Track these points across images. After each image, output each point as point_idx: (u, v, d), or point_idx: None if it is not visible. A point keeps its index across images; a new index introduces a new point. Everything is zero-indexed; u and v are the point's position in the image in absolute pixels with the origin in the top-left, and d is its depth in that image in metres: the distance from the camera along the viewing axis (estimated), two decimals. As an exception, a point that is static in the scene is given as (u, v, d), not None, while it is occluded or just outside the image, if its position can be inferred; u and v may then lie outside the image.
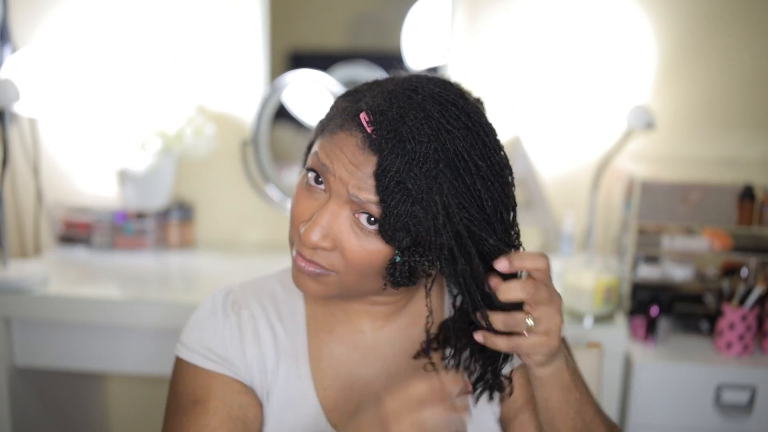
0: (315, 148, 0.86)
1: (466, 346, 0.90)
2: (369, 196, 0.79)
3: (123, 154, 1.91)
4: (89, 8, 2.03)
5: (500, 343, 0.81)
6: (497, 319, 0.80)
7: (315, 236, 0.82)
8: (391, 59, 2.06)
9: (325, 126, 0.86)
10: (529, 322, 0.79)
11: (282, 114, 2.08)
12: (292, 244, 0.89)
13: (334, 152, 0.81)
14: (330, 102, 0.91)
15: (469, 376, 0.92)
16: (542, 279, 0.80)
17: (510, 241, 0.84)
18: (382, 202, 0.79)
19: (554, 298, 0.80)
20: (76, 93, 1.83)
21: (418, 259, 0.82)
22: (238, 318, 0.97)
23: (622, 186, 1.87)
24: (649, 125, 1.82)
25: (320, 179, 0.84)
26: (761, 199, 1.71)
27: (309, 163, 0.86)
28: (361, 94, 0.85)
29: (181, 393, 0.95)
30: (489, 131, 0.83)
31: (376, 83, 0.86)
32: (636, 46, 1.97)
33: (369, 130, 0.79)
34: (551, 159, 2.03)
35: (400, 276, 0.84)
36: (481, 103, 0.89)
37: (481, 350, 0.89)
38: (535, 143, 2.02)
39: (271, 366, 0.96)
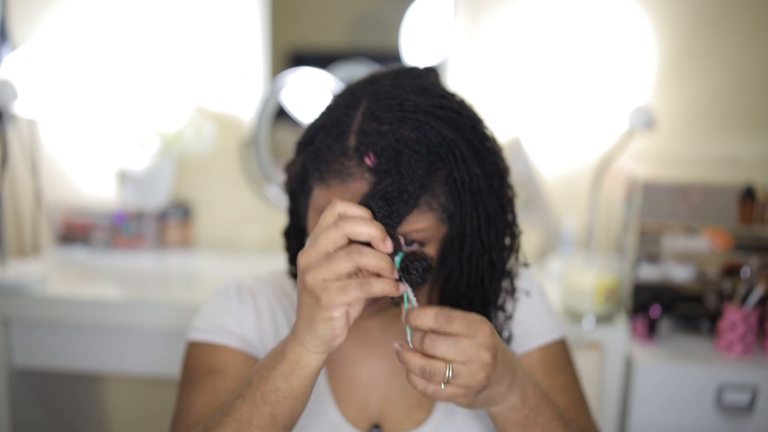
0: (328, 197, 0.85)
1: None
2: (409, 227, 0.82)
3: (122, 154, 1.90)
4: (89, 7, 2.02)
5: (417, 384, 0.73)
6: (414, 361, 0.72)
7: None
8: (391, 58, 2.06)
9: (322, 155, 0.86)
10: (448, 374, 0.71)
11: (282, 114, 2.07)
12: None
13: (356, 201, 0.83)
14: (326, 105, 0.91)
15: None
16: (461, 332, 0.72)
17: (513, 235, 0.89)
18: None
19: (476, 353, 0.71)
20: (75, 93, 1.83)
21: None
22: (255, 302, 1.01)
23: (623, 186, 1.87)
24: (650, 125, 1.81)
25: None
26: (762, 199, 1.71)
27: None
28: (353, 112, 0.85)
29: (195, 367, 0.96)
30: (484, 134, 0.86)
31: (363, 90, 0.87)
32: (637, 46, 1.97)
33: (372, 162, 0.81)
34: (551, 159, 2.03)
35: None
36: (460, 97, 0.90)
37: None
38: (535, 143, 2.01)
39: None
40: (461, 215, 0.84)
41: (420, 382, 0.73)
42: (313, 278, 0.70)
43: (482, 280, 0.88)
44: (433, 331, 0.71)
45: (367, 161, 0.81)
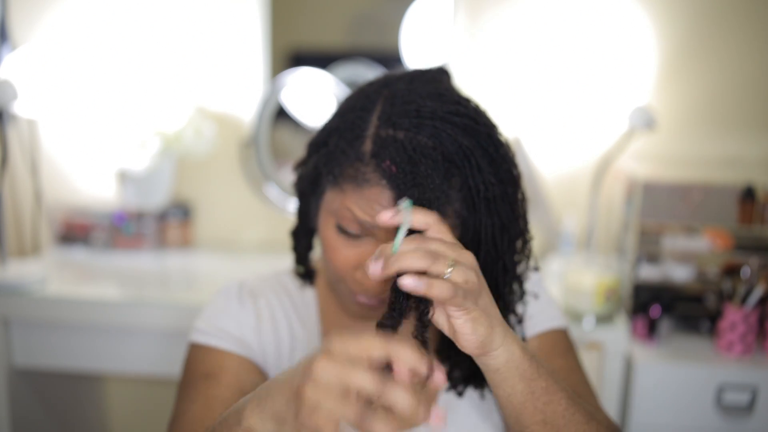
0: (342, 202, 0.84)
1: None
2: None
3: (122, 154, 1.90)
4: (89, 7, 2.02)
5: (408, 283, 0.70)
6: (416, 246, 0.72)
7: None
8: (391, 58, 2.06)
9: (336, 158, 0.85)
10: (450, 263, 0.71)
11: (282, 114, 2.07)
12: (337, 283, 0.92)
13: (373, 208, 0.82)
14: (333, 105, 0.91)
15: (456, 368, 0.93)
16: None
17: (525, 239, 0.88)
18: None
19: (466, 257, 0.73)
20: (75, 93, 1.83)
21: None
22: (255, 304, 1.01)
23: (623, 186, 1.87)
24: (650, 125, 1.81)
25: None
26: (762, 199, 1.71)
27: (340, 219, 0.85)
28: (367, 116, 0.84)
29: (193, 370, 0.96)
30: (499, 141, 0.86)
31: (377, 93, 0.86)
32: (637, 46, 1.97)
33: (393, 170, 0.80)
34: (551, 159, 2.03)
35: None
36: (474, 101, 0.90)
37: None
38: (535, 143, 2.02)
39: (285, 352, 0.99)
40: (475, 222, 0.84)
41: (413, 280, 0.70)
42: (312, 394, 0.63)
43: (497, 286, 0.87)
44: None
45: (385, 168, 0.80)
